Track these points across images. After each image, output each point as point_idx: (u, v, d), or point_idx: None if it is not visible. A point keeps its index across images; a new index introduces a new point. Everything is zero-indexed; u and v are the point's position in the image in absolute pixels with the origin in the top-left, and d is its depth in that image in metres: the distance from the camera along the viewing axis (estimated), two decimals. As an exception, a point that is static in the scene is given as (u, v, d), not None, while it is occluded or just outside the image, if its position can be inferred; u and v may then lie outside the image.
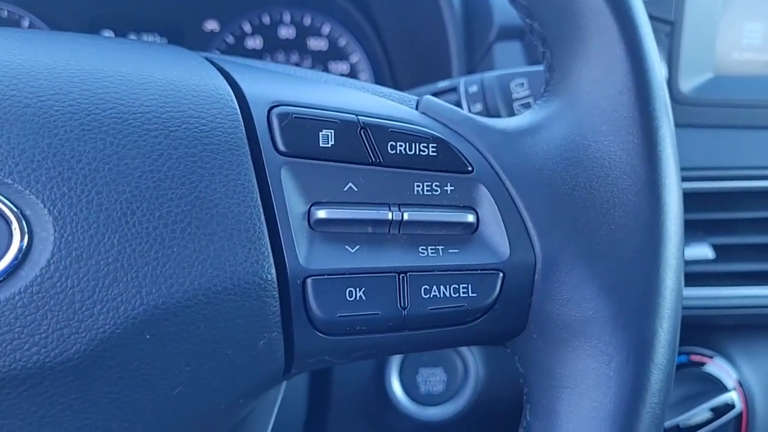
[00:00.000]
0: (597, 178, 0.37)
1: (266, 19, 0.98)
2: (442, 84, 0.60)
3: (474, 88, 0.57)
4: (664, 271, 0.36)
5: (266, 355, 0.36)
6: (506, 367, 0.77)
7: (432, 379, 0.77)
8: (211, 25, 0.98)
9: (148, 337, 0.32)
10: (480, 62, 0.78)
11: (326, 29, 0.99)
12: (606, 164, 0.37)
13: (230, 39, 0.98)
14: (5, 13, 0.92)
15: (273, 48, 0.98)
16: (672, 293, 0.36)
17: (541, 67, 0.58)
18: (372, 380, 0.77)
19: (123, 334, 0.32)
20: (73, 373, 0.32)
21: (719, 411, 0.75)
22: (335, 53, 0.99)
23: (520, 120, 0.40)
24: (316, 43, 0.99)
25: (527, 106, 0.57)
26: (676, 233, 0.37)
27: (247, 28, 0.98)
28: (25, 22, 0.93)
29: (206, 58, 0.41)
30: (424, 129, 0.38)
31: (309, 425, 0.77)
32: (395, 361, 0.77)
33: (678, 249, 0.37)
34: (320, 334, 0.36)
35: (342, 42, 0.99)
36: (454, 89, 0.58)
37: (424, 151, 0.38)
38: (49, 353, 0.31)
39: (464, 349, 0.77)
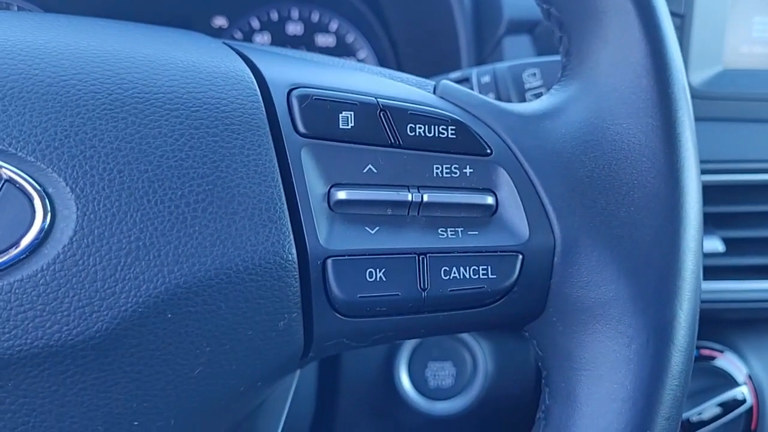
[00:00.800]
0: (616, 160, 0.37)
1: (274, 16, 0.98)
2: (454, 74, 0.60)
3: (486, 78, 0.57)
4: (684, 253, 0.36)
5: (286, 337, 0.35)
6: (515, 361, 0.77)
7: (441, 373, 0.76)
8: (220, 21, 0.98)
9: (169, 316, 0.32)
10: (489, 56, 0.78)
11: (334, 25, 0.99)
12: (625, 147, 0.37)
13: (238, 35, 0.98)
14: (15, 7, 0.92)
15: (281, 44, 0.99)
16: (692, 275, 0.36)
17: (553, 58, 0.58)
18: (381, 374, 0.77)
19: (144, 313, 0.32)
20: (95, 351, 0.32)
21: (729, 405, 0.75)
22: (343, 49, 0.99)
23: (538, 104, 0.40)
24: (324, 40, 0.99)
25: (539, 95, 0.57)
26: (696, 215, 0.37)
27: (255, 24, 0.98)
28: (34, 18, 0.93)
29: (225, 43, 0.41)
30: (443, 112, 0.38)
31: (318, 419, 0.77)
32: (404, 355, 0.77)
33: (697, 231, 0.37)
34: (339, 316, 0.36)
35: (350, 38, 0.99)
36: (466, 79, 0.58)
37: (443, 134, 0.38)
38: (71, 331, 0.31)
39: (473, 344, 0.77)
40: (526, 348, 0.77)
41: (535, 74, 0.57)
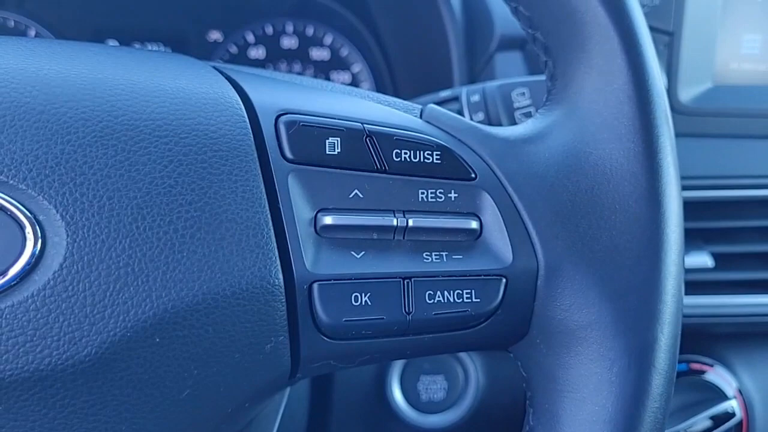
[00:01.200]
0: (598, 185, 0.38)
1: (269, 30, 0.99)
2: (444, 93, 0.61)
3: (476, 98, 0.58)
4: (665, 276, 0.37)
5: (273, 359, 0.36)
6: (506, 374, 0.78)
7: (433, 386, 0.77)
8: (215, 36, 0.98)
9: (157, 340, 0.33)
10: (481, 72, 0.79)
11: (328, 39, 1.00)
12: (607, 171, 0.38)
13: (233, 49, 0.99)
14: (11, 23, 0.93)
15: (276, 58, 0.99)
16: (673, 299, 0.37)
17: (542, 77, 0.59)
18: (373, 388, 0.77)
19: (133, 338, 0.33)
20: (84, 375, 0.32)
21: (719, 419, 0.75)
22: (337, 63, 1.00)
23: (523, 128, 0.41)
24: (319, 53, 1.00)
25: (528, 115, 0.57)
26: (677, 240, 0.37)
27: (250, 38, 0.99)
28: (32, 32, 0.93)
29: (214, 67, 0.41)
30: (428, 137, 0.39)
31: (311, 432, 0.78)
32: (396, 369, 0.77)
33: (678, 255, 0.37)
34: (326, 339, 0.36)
35: (344, 52, 1.00)
36: (456, 98, 0.59)
37: (428, 159, 0.38)
38: (60, 356, 0.32)
39: (465, 357, 0.78)
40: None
41: (524, 93, 0.57)
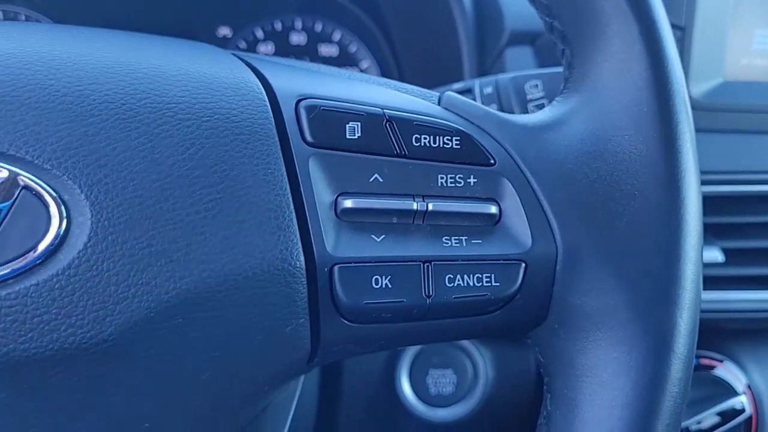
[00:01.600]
0: (617, 171, 0.38)
1: (278, 26, 0.99)
2: (457, 85, 0.61)
3: (489, 90, 0.58)
4: (684, 262, 0.37)
5: (293, 342, 0.36)
6: (515, 369, 0.78)
7: (442, 380, 0.77)
8: (224, 31, 0.99)
9: (180, 321, 0.33)
10: (491, 67, 0.79)
11: (337, 36, 1.00)
12: (626, 158, 0.38)
13: (242, 45, 0.99)
14: (22, 17, 0.93)
15: (284, 54, 1.00)
16: (692, 284, 0.37)
17: (555, 69, 0.59)
18: (382, 381, 0.77)
19: (156, 318, 0.33)
20: (107, 355, 0.32)
21: (728, 415, 0.75)
22: (346, 59, 1.00)
23: (541, 115, 0.41)
24: (327, 50, 1.00)
25: (541, 107, 0.58)
26: (696, 225, 0.37)
27: (260, 34, 0.99)
28: (41, 26, 0.94)
29: (234, 54, 0.42)
30: (447, 122, 0.39)
31: (319, 425, 0.78)
32: (405, 362, 0.77)
33: (697, 240, 0.37)
34: (346, 322, 0.36)
35: (352, 48, 1.00)
36: (469, 90, 0.59)
37: (447, 144, 0.38)
38: (84, 335, 0.32)
39: (473, 351, 0.78)
40: (526, 356, 0.78)
41: (537, 86, 0.58)
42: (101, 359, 0.32)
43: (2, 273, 0.31)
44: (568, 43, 0.42)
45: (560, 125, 0.40)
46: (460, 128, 0.39)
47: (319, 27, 1.00)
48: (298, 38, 1.00)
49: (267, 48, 0.99)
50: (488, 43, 0.79)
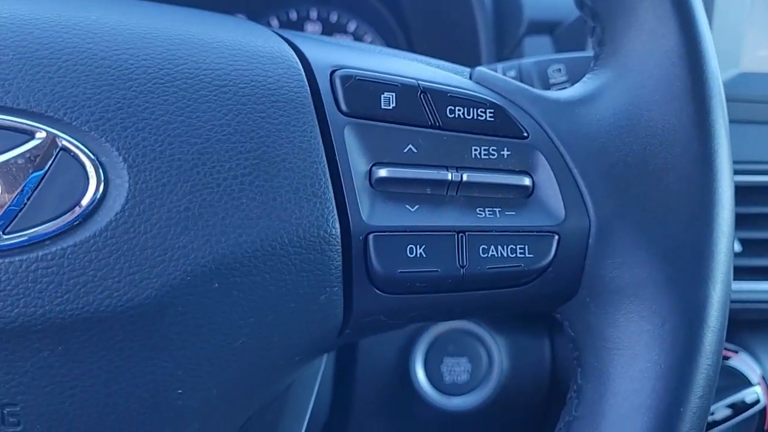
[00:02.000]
0: (650, 145, 0.38)
1: (293, 15, 0.99)
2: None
3: (512, 73, 0.58)
4: (717, 235, 0.37)
5: (326, 310, 0.36)
6: (530, 358, 0.78)
7: (456, 368, 0.77)
8: (239, 20, 0.99)
9: (216, 286, 0.33)
10: (509, 57, 0.79)
11: (352, 26, 1.00)
12: (659, 132, 0.38)
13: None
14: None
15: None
16: (724, 257, 0.37)
17: (578, 54, 0.59)
18: (396, 369, 0.77)
19: (192, 282, 0.33)
20: (143, 318, 0.32)
21: (743, 406, 0.75)
22: (360, 50, 1.00)
23: (573, 91, 0.41)
24: (342, 39, 1.00)
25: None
26: (729, 199, 0.37)
27: (275, 23, 0.99)
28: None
29: (267, 28, 0.42)
30: (481, 95, 0.39)
31: (333, 413, 0.77)
32: (420, 350, 0.77)
33: (730, 214, 0.37)
34: (379, 292, 0.36)
35: (367, 39, 1.00)
36: (491, 74, 0.59)
37: (481, 116, 0.38)
38: (121, 297, 0.32)
39: (488, 339, 0.77)
40: (541, 344, 0.78)
41: (560, 70, 0.58)
42: (137, 322, 0.32)
43: (39, 233, 0.31)
44: (599, 19, 0.42)
45: (593, 100, 0.40)
46: (494, 101, 0.39)
47: (334, 17, 1.00)
48: (312, 28, 1.00)
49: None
50: (506, 33, 0.79)
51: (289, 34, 0.41)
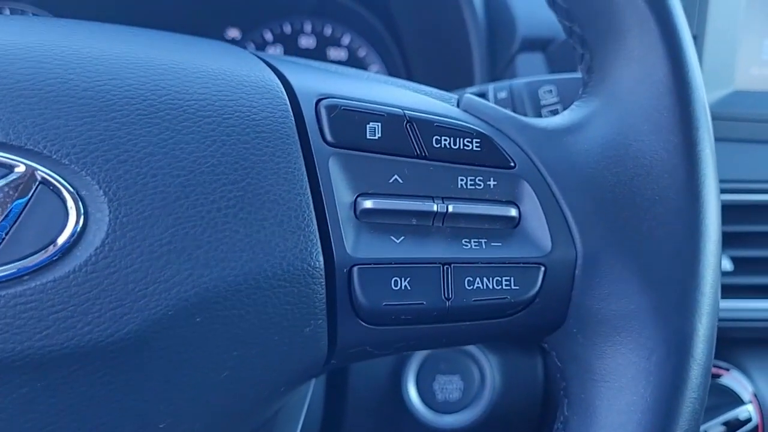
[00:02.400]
0: (638, 176, 0.38)
1: (287, 29, 0.99)
2: (471, 89, 0.61)
3: (503, 94, 0.58)
4: (704, 267, 0.37)
5: (310, 343, 0.36)
6: (522, 375, 0.78)
7: (449, 386, 0.77)
8: (233, 33, 0.99)
9: (198, 320, 0.33)
10: (502, 74, 0.79)
11: (346, 39, 1.00)
12: (647, 163, 0.37)
13: (251, 47, 0.99)
14: (30, 14, 0.93)
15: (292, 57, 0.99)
16: (711, 290, 0.37)
17: (569, 75, 0.59)
18: (388, 386, 0.77)
19: (175, 316, 0.32)
20: (125, 353, 0.32)
21: (735, 424, 0.75)
22: (354, 63, 1.00)
23: (561, 119, 0.41)
24: (336, 53, 1.00)
25: (555, 112, 0.57)
26: (715, 230, 0.37)
27: (268, 36, 0.99)
28: (50, 26, 0.94)
29: (252, 53, 0.41)
30: (467, 125, 0.39)
31: (325, 430, 0.77)
32: (412, 368, 0.77)
33: (716, 246, 0.37)
34: (364, 324, 0.36)
35: (361, 52, 1.00)
36: (483, 95, 0.59)
37: (467, 146, 0.38)
38: (102, 332, 0.31)
39: (481, 357, 0.77)
40: (533, 362, 0.77)
41: (551, 91, 0.57)
42: (118, 357, 0.32)
43: (19, 269, 0.31)
44: (587, 47, 0.42)
45: (580, 129, 0.40)
46: (481, 130, 0.39)
47: (328, 31, 0.99)
48: (307, 41, 1.00)
49: (275, 51, 0.99)
50: (500, 49, 0.79)
51: (274, 59, 0.41)
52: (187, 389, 0.34)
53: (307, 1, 0.98)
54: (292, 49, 0.99)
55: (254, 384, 0.36)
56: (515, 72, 0.77)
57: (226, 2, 0.98)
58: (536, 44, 0.77)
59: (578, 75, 0.59)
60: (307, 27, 0.99)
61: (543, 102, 0.58)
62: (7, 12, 0.92)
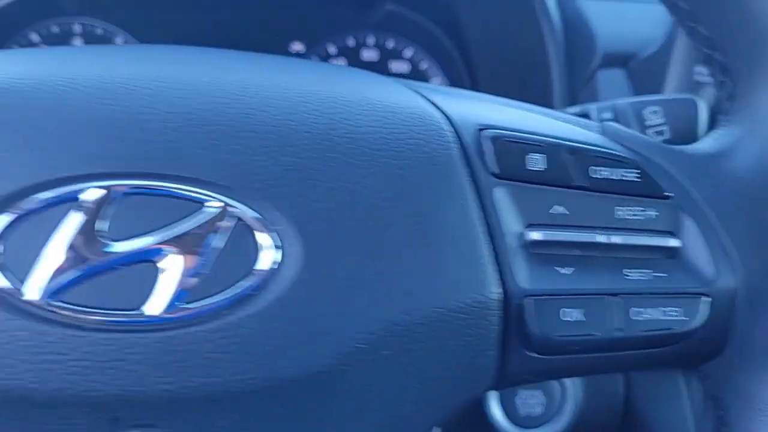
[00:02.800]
0: None
1: (351, 42, 0.99)
2: (573, 109, 0.61)
3: (607, 115, 0.58)
4: None
5: (479, 373, 0.36)
6: (603, 391, 0.78)
7: (530, 401, 0.77)
8: (297, 47, 0.99)
9: (386, 353, 0.33)
10: (581, 91, 0.79)
11: (409, 53, 1.00)
12: None
13: (315, 60, 0.99)
14: (100, 30, 0.93)
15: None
16: None
17: (675, 96, 0.59)
18: (471, 402, 0.77)
19: (365, 350, 0.33)
20: (319, 387, 0.32)
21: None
22: (416, 76, 1.00)
23: (707, 145, 0.41)
24: (398, 66, 1.01)
25: (661, 133, 0.58)
26: None
27: (332, 50, 0.99)
28: (119, 39, 0.94)
29: (398, 82, 0.42)
30: (623, 155, 0.39)
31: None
32: (492, 383, 0.77)
33: None
34: (533, 354, 0.36)
35: (423, 65, 1.00)
36: (585, 115, 0.59)
37: (625, 176, 0.38)
38: (299, 366, 0.32)
39: (561, 372, 0.77)
40: (615, 378, 0.77)
41: (656, 112, 0.58)
42: (311, 393, 0.32)
43: (217, 303, 0.31)
44: (729, 74, 0.42)
45: (732, 155, 0.40)
46: (637, 160, 0.39)
47: (391, 44, 1.00)
48: (368, 54, 1.00)
49: (338, 63, 1.00)
50: (579, 65, 0.79)
51: (417, 87, 0.41)
52: (371, 425, 0.34)
53: (371, 14, 0.99)
54: (354, 61, 1.00)
55: (427, 416, 0.36)
56: (596, 88, 0.77)
57: (291, 17, 0.98)
58: (617, 60, 0.77)
59: (683, 96, 0.60)
60: (370, 40, 1.00)
61: (648, 122, 0.58)
62: (78, 27, 0.93)
